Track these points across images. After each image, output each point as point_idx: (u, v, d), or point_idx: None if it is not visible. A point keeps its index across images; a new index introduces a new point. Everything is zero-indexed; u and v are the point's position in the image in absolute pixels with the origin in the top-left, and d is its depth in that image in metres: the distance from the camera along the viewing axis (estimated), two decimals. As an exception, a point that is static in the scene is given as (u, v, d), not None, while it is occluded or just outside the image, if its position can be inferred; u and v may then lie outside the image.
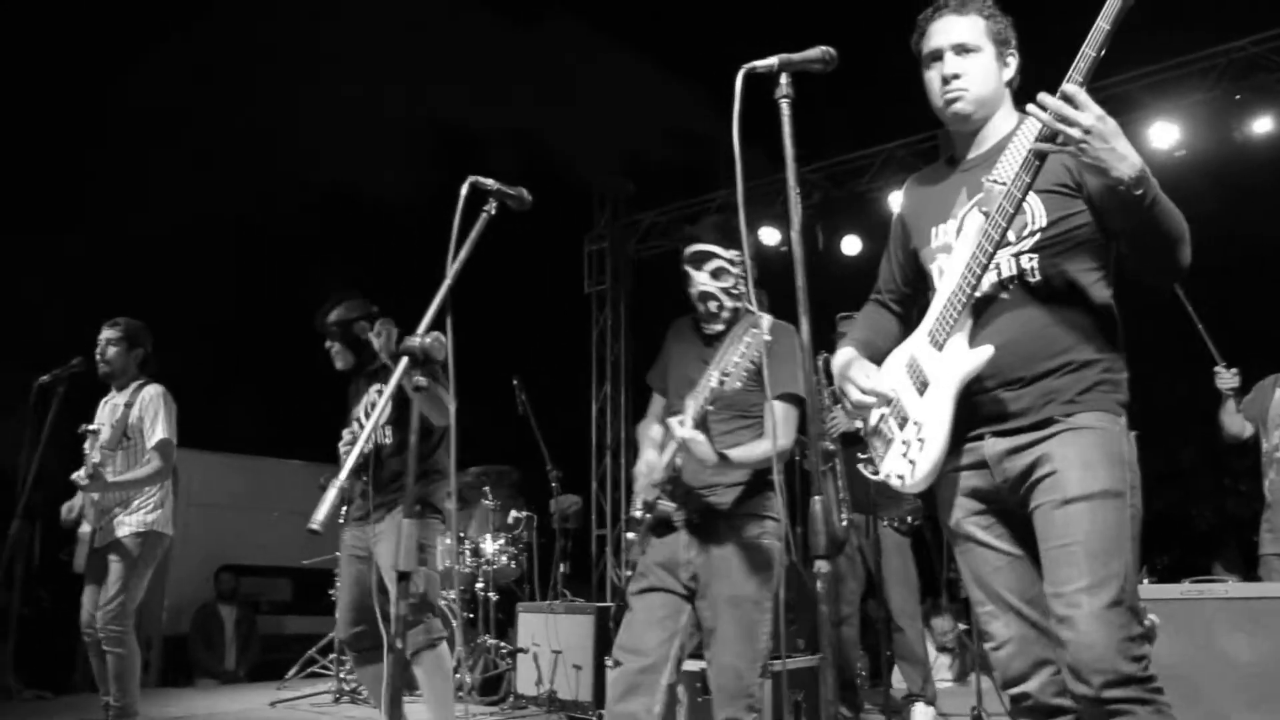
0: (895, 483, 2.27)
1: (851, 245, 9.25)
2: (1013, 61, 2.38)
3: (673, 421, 3.00)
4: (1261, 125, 7.47)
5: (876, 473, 2.37)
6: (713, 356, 3.25)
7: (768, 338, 2.78)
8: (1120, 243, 2.21)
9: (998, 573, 2.24)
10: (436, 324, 2.18)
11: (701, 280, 3.27)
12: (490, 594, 6.89)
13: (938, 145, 8.38)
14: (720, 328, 3.31)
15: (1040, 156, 2.06)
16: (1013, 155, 2.20)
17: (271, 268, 13.27)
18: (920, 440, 2.23)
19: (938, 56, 2.34)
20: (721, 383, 2.85)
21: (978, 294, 2.20)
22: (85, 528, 4.75)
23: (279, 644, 9.28)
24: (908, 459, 2.24)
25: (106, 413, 4.98)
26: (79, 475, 4.64)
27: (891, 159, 8.93)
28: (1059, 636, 2.03)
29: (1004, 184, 2.15)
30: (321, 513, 1.87)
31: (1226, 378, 5.35)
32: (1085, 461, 2.09)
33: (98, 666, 4.73)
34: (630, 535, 3.44)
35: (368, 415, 4.34)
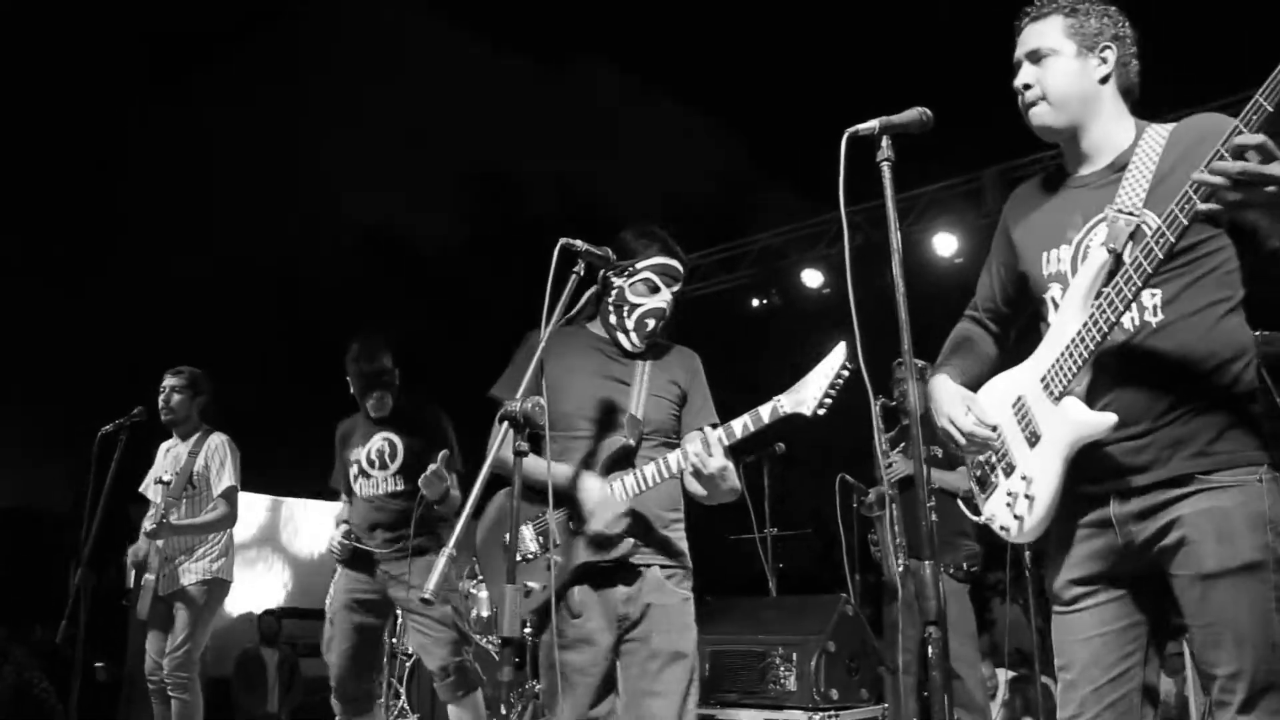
0: (1000, 533, 2.16)
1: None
2: (1110, 55, 2.14)
3: (700, 451, 2.67)
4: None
5: (978, 513, 2.24)
6: (632, 377, 3.00)
7: (848, 370, 2.53)
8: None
9: (1086, 644, 2.07)
10: (534, 388, 2.18)
11: (663, 299, 2.99)
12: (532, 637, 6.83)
13: (981, 188, 8.35)
14: (643, 349, 3.04)
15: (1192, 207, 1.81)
16: (1136, 176, 2.03)
17: (312, 310, 13.42)
18: (1029, 497, 2.08)
19: (1018, 70, 2.19)
20: (816, 412, 2.56)
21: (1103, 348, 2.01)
22: (149, 575, 4.79)
23: (321, 686, 9.21)
24: (1014, 513, 2.12)
25: (169, 460, 5.02)
26: (146, 524, 4.69)
27: (934, 202, 8.89)
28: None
29: (1131, 214, 2.00)
30: (433, 581, 1.88)
31: None
32: (1221, 532, 1.91)
33: (160, 712, 4.77)
34: (533, 585, 2.94)
35: (377, 460, 4.35)
